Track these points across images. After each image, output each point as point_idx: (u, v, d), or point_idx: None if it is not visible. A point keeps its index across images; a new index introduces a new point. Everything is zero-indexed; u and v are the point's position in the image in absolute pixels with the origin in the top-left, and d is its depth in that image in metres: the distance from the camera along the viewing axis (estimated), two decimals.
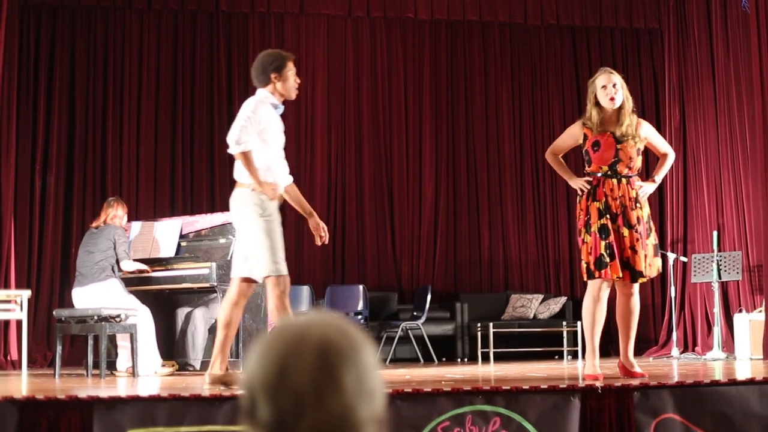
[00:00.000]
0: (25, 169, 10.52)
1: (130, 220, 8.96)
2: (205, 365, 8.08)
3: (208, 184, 11.17)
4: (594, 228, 5.80)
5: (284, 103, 5.77)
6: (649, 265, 5.84)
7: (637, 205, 5.82)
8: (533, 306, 11.30)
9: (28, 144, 10.58)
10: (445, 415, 4.71)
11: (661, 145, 6.16)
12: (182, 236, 8.29)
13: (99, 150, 10.93)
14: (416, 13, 11.70)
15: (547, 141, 12.03)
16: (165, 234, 8.28)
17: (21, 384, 6.65)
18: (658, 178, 6.05)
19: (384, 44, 11.81)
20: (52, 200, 10.63)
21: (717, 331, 9.76)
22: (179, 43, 11.29)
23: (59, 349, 7.56)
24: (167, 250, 8.20)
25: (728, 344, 9.86)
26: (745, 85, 10.12)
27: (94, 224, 8.08)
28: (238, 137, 5.42)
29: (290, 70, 5.68)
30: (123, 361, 7.80)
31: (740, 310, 9.88)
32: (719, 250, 10.14)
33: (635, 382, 5.13)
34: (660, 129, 11.69)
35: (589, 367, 5.80)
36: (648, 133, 6.03)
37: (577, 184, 5.93)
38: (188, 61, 11.30)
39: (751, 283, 10.08)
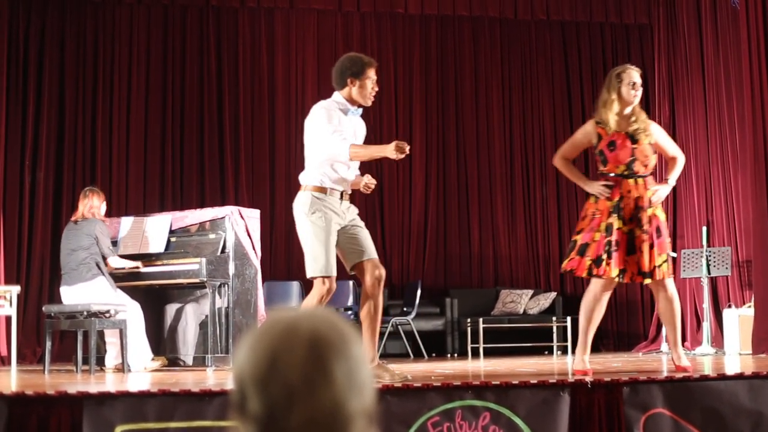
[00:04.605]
0: (14, 164, 10.49)
1: (119, 215, 8.94)
2: (195, 361, 8.08)
3: (197, 179, 11.15)
4: (602, 227, 5.78)
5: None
6: (665, 262, 5.83)
7: (651, 206, 5.80)
8: (523, 301, 11.32)
9: (17, 139, 10.54)
10: (435, 410, 4.71)
11: (670, 147, 6.10)
12: (172, 231, 8.26)
13: (88, 145, 10.90)
14: (406, 8, 11.70)
15: (537, 136, 12.06)
16: (155, 229, 8.26)
17: (10, 380, 6.64)
18: (672, 179, 5.98)
19: (374, 39, 11.81)
20: (41, 196, 10.59)
21: (706, 326, 9.78)
22: (169, 38, 11.26)
23: (48, 344, 7.53)
24: (157, 246, 8.18)
25: (717, 339, 9.89)
26: (734, 81, 10.14)
27: (73, 218, 7.94)
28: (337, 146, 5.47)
29: (369, 77, 5.61)
30: (111, 358, 7.78)
31: (729, 306, 9.91)
32: (708, 246, 10.16)
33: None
34: None
35: (578, 362, 5.81)
36: (657, 135, 5.98)
37: (596, 189, 5.82)
38: (178, 55, 11.28)
39: (741, 278, 10.11)
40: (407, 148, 5.30)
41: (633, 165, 5.80)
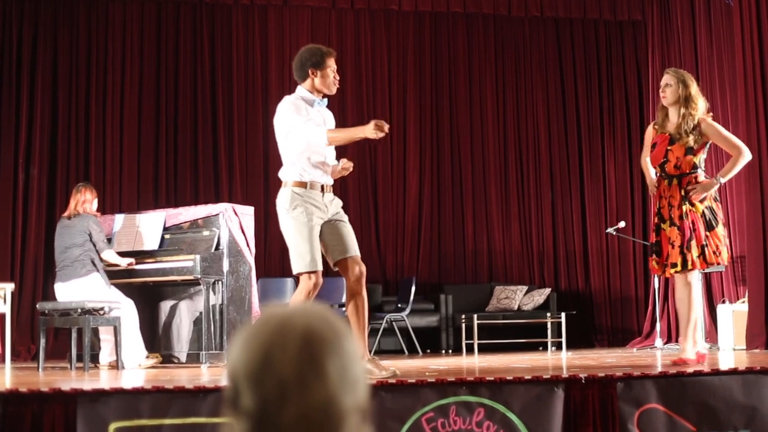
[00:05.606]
0: (7, 161, 10.47)
1: (113, 212, 8.93)
2: (190, 358, 8.08)
3: (191, 176, 11.15)
4: (665, 226, 6.05)
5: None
6: (713, 253, 5.97)
7: (685, 202, 5.95)
8: (517, 297, 11.32)
9: (10, 136, 10.53)
10: (429, 406, 4.71)
11: (726, 145, 6.18)
12: (166, 228, 8.26)
13: (82, 142, 10.89)
14: (400, 4, 11.70)
15: (531, 132, 12.07)
16: (149, 226, 8.26)
17: (4, 377, 6.62)
18: (721, 177, 6.08)
19: (368, 36, 11.80)
20: (35, 193, 10.58)
21: (700, 321, 9.80)
22: (162, 35, 11.24)
23: (43, 342, 7.52)
24: (151, 243, 8.18)
25: (711, 335, 9.91)
26: (728, 77, 10.15)
27: (65, 213, 7.93)
28: (309, 135, 5.47)
29: (329, 66, 5.63)
30: (105, 355, 7.78)
31: (723, 301, 9.93)
32: None
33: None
34: (643, 121, 11.72)
35: (681, 350, 6.10)
36: (712, 134, 6.06)
37: (650, 189, 6.28)
38: (171, 52, 11.26)
39: (735, 274, 10.13)
40: (386, 127, 5.31)
41: (665, 166, 6.03)
